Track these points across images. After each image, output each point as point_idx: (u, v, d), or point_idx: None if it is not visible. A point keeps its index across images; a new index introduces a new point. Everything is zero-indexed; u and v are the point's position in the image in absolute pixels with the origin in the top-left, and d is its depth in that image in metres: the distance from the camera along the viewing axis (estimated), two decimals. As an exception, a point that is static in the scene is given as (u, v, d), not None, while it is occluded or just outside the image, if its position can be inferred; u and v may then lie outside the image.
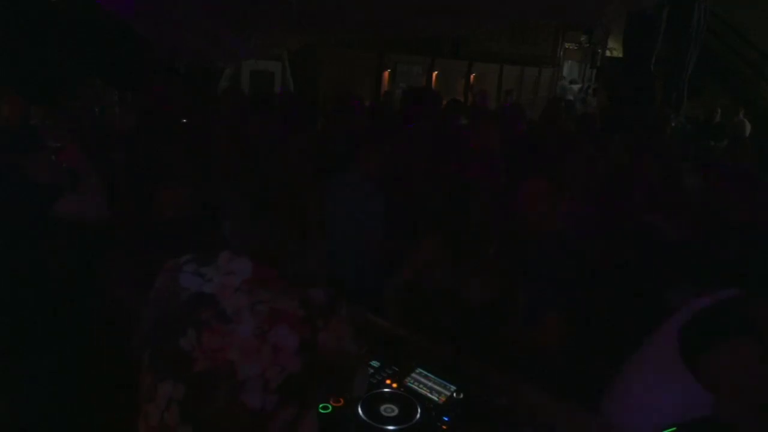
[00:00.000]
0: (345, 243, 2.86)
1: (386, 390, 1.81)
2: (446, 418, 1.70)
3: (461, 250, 2.38)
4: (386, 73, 10.84)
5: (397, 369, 1.93)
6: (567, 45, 13.85)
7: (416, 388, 1.84)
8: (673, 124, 6.21)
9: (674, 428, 0.71)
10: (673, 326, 1.34)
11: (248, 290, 1.23)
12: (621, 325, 2.37)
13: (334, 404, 1.72)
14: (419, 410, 1.72)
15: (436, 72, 11.36)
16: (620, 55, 8.84)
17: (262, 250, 1.33)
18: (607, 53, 12.48)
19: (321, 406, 1.71)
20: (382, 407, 1.72)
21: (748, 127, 7.51)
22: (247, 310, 1.21)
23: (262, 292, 1.23)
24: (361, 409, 1.70)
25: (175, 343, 1.22)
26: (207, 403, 1.18)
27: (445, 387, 1.86)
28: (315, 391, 1.26)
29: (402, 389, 1.83)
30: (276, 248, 1.36)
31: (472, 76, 11.88)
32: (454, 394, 1.81)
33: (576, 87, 13.03)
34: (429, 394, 1.81)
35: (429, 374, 1.91)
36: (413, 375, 1.91)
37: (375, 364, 1.95)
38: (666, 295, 2.25)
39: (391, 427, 1.64)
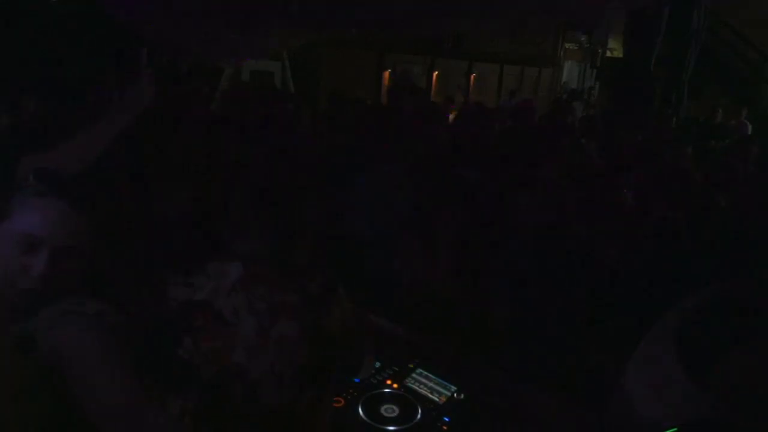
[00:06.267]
0: (384, 234, 2.82)
1: (386, 390, 1.81)
2: (447, 419, 1.69)
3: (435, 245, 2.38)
4: (386, 73, 10.86)
5: (397, 369, 1.93)
6: (567, 45, 13.86)
7: (416, 388, 1.84)
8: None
9: (675, 428, 0.71)
10: (669, 324, 1.20)
11: (243, 289, 1.20)
12: (621, 323, 2.37)
13: (335, 404, 1.72)
14: (420, 411, 1.72)
15: (436, 72, 11.37)
16: (620, 55, 8.84)
17: (261, 253, 1.27)
18: (607, 53, 12.48)
19: (321, 406, 1.72)
20: (383, 407, 1.72)
21: (749, 128, 7.52)
22: (245, 309, 1.18)
23: (259, 289, 1.20)
24: (362, 410, 1.70)
25: (171, 355, 1.18)
26: (223, 408, 1.15)
27: (445, 387, 1.85)
28: (328, 376, 1.26)
29: (402, 389, 1.82)
30: (276, 251, 1.30)
31: (472, 76, 11.89)
32: (455, 395, 1.81)
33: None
34: (429, 395, 1.81)
35: (429, 374, 1.91)
36: (413, 375, 1.90)
37: (375, 364, 1.95)
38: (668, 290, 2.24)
39: (391, 428, 1.63)
